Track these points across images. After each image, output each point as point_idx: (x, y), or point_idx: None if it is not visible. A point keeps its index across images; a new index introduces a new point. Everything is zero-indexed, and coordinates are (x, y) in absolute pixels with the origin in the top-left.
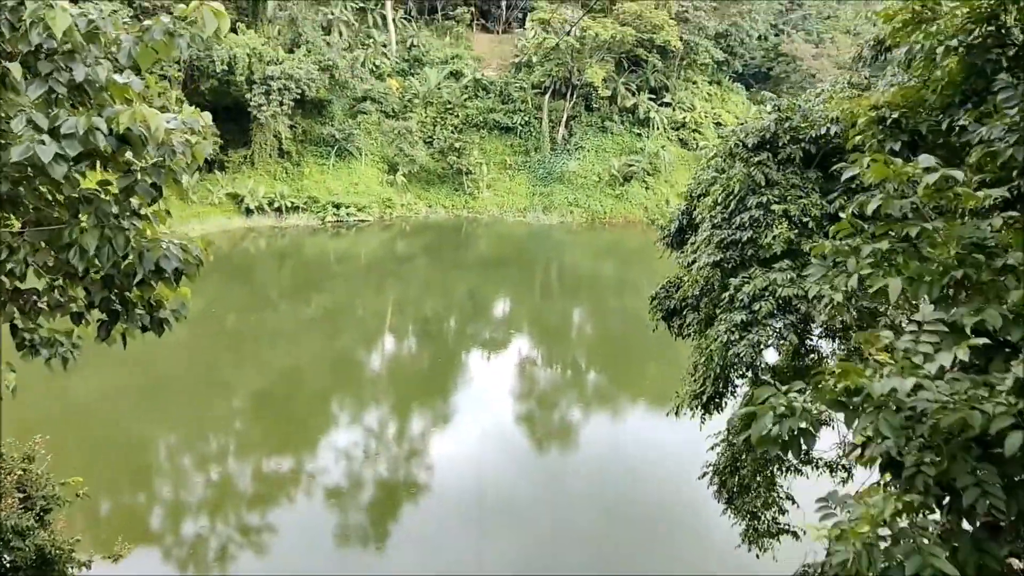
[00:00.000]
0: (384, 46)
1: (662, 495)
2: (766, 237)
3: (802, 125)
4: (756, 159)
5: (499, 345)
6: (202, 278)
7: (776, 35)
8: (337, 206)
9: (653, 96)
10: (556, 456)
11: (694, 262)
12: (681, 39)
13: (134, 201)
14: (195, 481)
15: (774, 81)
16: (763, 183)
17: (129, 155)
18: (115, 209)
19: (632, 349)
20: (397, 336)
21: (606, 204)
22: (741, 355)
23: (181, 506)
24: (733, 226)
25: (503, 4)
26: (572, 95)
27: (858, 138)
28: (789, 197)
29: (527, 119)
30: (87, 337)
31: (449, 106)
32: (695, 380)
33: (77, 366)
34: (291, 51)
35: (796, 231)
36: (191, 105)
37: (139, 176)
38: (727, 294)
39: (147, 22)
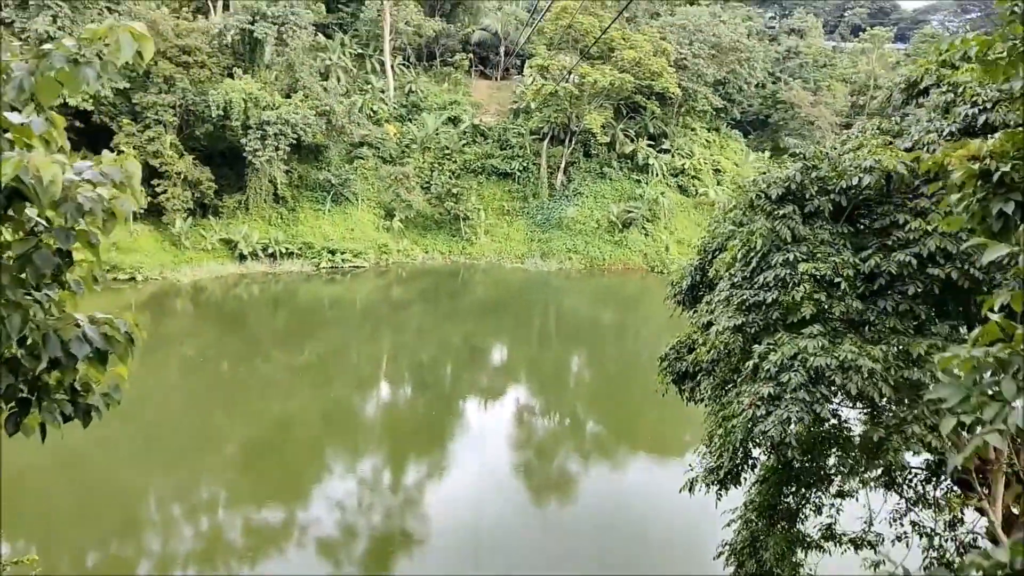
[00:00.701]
0: (382, 92)
1: (666, 559)
2: (793, 299)
3: (831, 175)
4: (781, 212)
5: (496, 393)
6: (195, 325)
7: (774, 82)
8: (332, 252)
9: (652, 142)
10: (555, 510)
11: (710, 324)
12: (680, 86)
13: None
14: (185, 533)
15: (773, 128)
16: (789, 239)
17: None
18: (4, 279)
19: (632, 397)
20: (392, 384)
21: (605, 250)
22: (768, 432)
23: (169, 558)
24: (756, 286)
25: (501, 51)
26: (571, 141)
27: (953, 198)
28: (818, 254)
29: (525, 165)
30: None
31: (447, 152)
32: (711, 453)
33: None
34: (288, 96)
35: (826, 292)
36: (187, 151)
37: (42, 239)
38: (750, 363)
39: (46, 46)
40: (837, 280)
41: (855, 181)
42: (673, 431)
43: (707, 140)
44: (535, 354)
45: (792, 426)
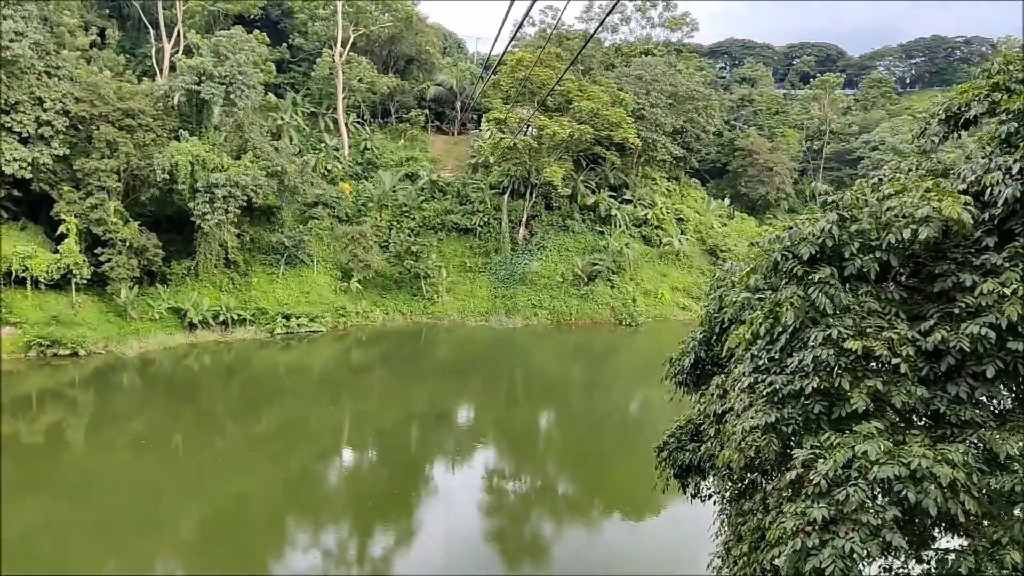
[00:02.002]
0: (336, 150)
1: None
2: (840, 387)
3: (871, 228)
4: (816, 277)
5: (464, 457)
6: (144, 400)
7: (730, 130)
8: (287, 317)
9: (613, 193)
10: None
11: (724, 414)
12: (639, 136)
13: None
14: None
15: (732, 175)
16: (829, 309)
17: None
18: None
19: (604, 457)
20: (355, 452)
21: (571, 305)
22: (826, 570)
23: None
24: (788, 370)
25: (457, 106)
26: (531, 194)
27: None
28: (868, 328)
29: (486, 220)
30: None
31: (405, 208)
32: (730, 570)
33: (16, 496)
34: (238, 157)
35: (882, 378)
36: (133, 217)
37: None
38: (791, 474)
39: None
40: (895, 361)
41: (905, 234)
42: (646, 490)
43: (668, 189)
44: (503, 415)
45: (860, 563)
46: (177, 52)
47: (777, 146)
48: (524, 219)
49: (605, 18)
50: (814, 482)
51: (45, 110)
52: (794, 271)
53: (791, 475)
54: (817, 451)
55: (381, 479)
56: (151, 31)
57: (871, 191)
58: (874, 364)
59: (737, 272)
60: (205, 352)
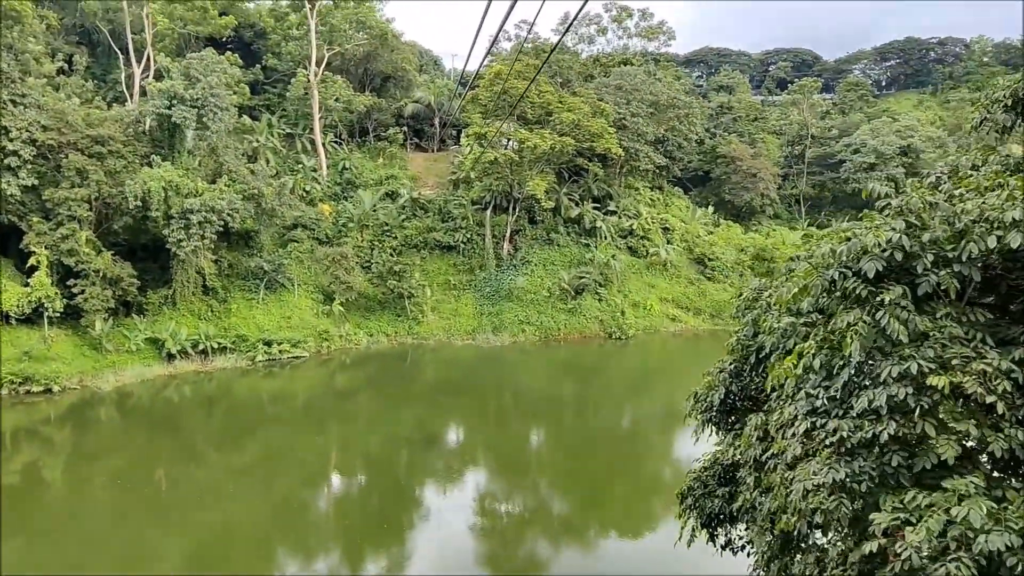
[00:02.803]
0: (314, 171)
1: None
2: (925, 432)
3: (944, 235)
4: (886, 298)
5: (454, 479)
6: (122, 435)
7: (711, 137)
8: (268, 343)
9: (597, 205)
10: None
11: (765, 460)
12: (621, 145)
13: None
14: None
15: (716, 183)
16: (903, 338)
17: None
18: None
19: (597, 474)
20: (343, 478)
21: (559, 319)
22: None
23: None
24: (855, 413)
25: (436, 122)
26: (514, 209)
27: None
28: (953, 360)
29: (469, 236)
30: None
31: (386, 228)
32: None
33: None
34: (213, 181)
35: (975, 420)
36: (106, 246)
37: None
38: (870, 545)
39: None
40: (990, 400)
41: (989, 243)
42: (641, 505)
43: (652, 199)
44: (493, 435)
45: None
46: (148, 76)
47: (759, 152)
48: (508, 234)
49: (572, 20)
50: (903, 557)
51: (11, 139)
52: (856, 292)
53: (870, 546)
54: (903, 517)
55: (371, 505)
56: (120, 56)
57: (929, 192)
58: (963, 403)
59: (772, 291)
60: (185, 383)
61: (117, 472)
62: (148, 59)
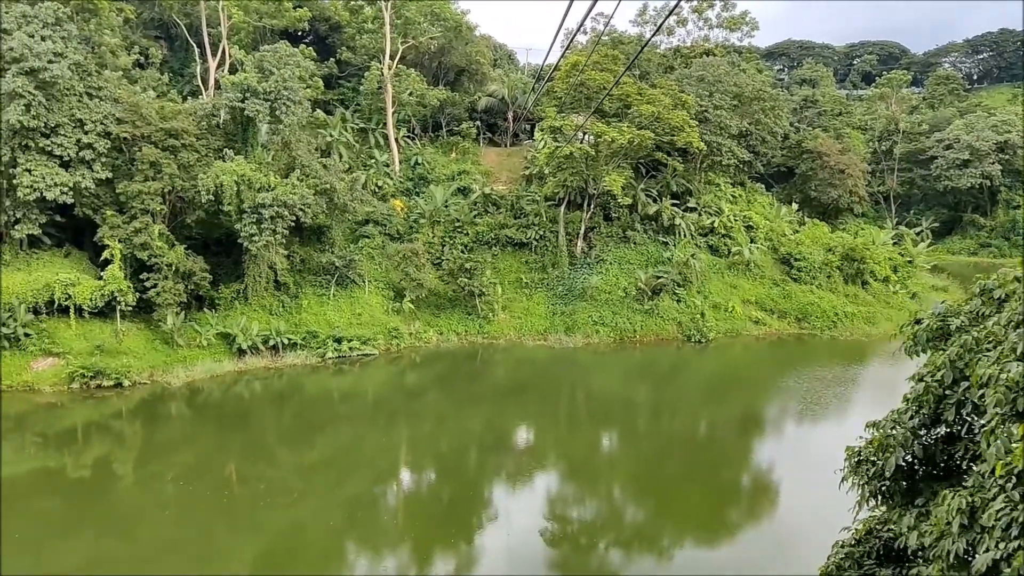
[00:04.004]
0: (387, 166)
1: None
2: None
3: None
4: None
5: (525, 482)
6: (192, 430)
7: (795, 132)
8: (339, 340)
9: (676, 202)
10: None
11: (972, 553)
12: (703, 139)
13: None
14: None
15: (800, 179)
16: None
17: None
18: None
19: (671, 481)
20: (412, 477)
21: (635, 321)
22: None
23: None
24: None
25: (510, 116)
26: (589, 205)
27: None
28: None
29: (542, 233)
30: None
31: (458, 224)
32: None
33: (63, 533)
34: (286, 176)
35: None
36: (179, 240)
37: None
38: None
39: None
40: None
41: None
42: (717, 513)
43: (733, 195)
44: (564, 437)
45: None
46: (223, 70)
47: (847, 147)
48: (582, 231)
49: (663, 22)
50: None
51: (86, 132)
52: None
53: None
54: None
55: (440, 505)
56: (196, 51)
57: None
58: None
59: (970, 317)
60: (255, 379)
61: (187, 468)
62: (223, 53)
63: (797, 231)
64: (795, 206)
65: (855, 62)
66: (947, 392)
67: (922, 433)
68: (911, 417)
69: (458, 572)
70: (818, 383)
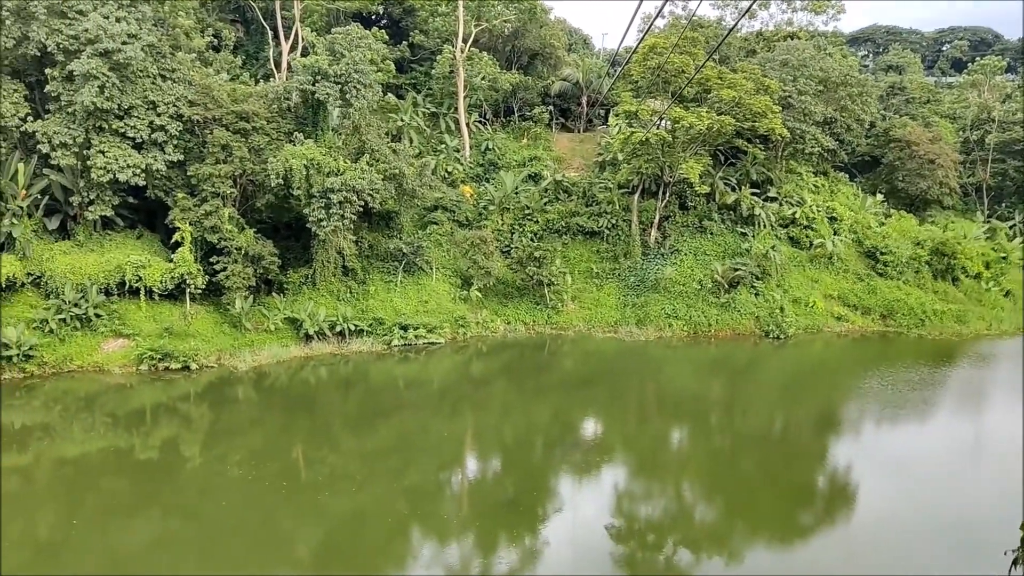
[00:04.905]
0: (457, 151)
1: None
2: None
3: None
4: None
5: (592, 477)
6: (259, 414)
7: (882, 120)
8: (405, 327)
9: (756, 191)
10: None
11: None
12: (786, 126)
13: None
14: None
15: (887, 169)
16: None
17: None
18: None
19: (743, 480)
20: (477, 467)
21: (710, 314)
22: None
23: None
24: None
25: (583, 101)
26: (664, 193)
27: None
28: None
29: (614, 222)
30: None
31: (527, 211)
32: None
33: (123, 513)
34: (355, 160)
35: None
36: (249, 224)
37: None
38: None
39: None
40: None
41: None
42: (791, 515)
43: (815, 185)
44: (633, 432)
45: None
46: (295, 53)
47: (937, 136)
48: (656, 220)
49: (750, 6)
50: None
51: (159, 114)
52: None
53: None
54: None
55: (504, 495)
56: (270, 33)
57: None
58: None
59: None
60: (321, 365)
61: (253, 452)
62: (296, 36)
63: (883, 223)
64: (880, 197)
65: (944, 48)
66: None
67: None
68: None
69: (522, 563)
70: (904, 385)
